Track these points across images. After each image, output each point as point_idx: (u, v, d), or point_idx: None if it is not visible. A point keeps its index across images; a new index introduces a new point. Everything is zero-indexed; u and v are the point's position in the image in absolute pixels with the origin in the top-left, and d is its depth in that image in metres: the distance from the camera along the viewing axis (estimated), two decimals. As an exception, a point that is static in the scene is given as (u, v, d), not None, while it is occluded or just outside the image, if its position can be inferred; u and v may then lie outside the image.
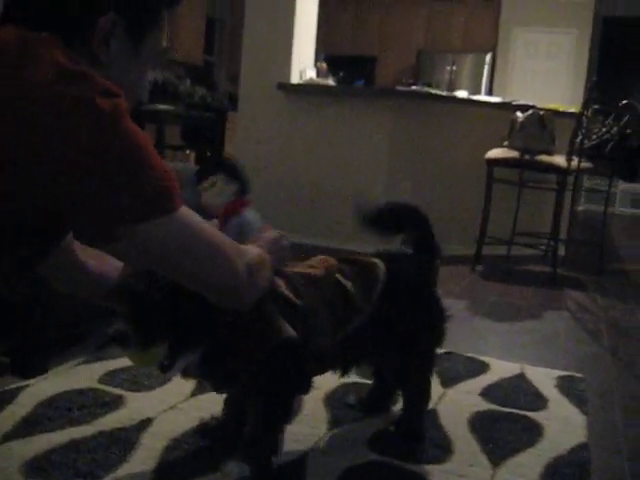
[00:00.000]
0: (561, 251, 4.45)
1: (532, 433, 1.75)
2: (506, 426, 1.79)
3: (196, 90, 8.85)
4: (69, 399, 1.69)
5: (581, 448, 1.68)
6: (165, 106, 6.59)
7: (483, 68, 8.98)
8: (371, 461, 1.52)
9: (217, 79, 9.68)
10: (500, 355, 2.45)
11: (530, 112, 4.15)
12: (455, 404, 1.92)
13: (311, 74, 4.74)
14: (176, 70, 8.57)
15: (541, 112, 4.16)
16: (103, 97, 0.99)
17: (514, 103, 4.67)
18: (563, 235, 4.56)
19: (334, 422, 1.71)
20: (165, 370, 1.23)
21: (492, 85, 9.00)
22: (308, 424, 1.68)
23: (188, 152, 7.21)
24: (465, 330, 2.76)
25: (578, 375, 2.26)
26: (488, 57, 8.91)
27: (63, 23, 1.07)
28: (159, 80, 8.25)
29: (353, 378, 2.02)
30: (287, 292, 1.34)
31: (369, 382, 1.86)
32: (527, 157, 4.00)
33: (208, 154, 7.38)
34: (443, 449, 1.62)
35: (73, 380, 1.81)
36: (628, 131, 4.27)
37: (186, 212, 1.10)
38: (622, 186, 9.07)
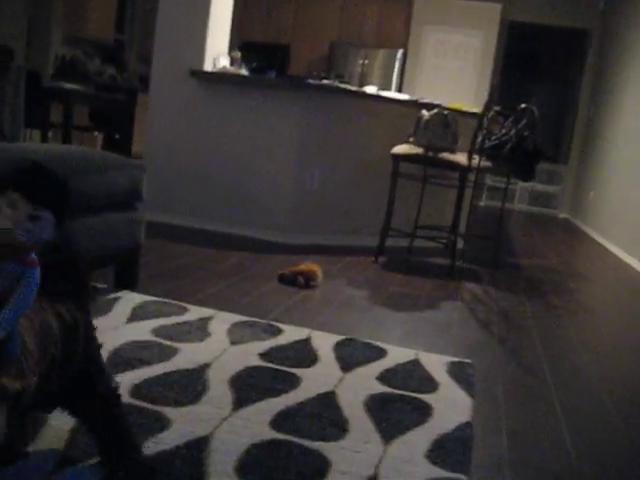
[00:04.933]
0: (461, 245, 4.68)
1: (421, 413, 1.90)
2: (398, 407, 1.92)
3: (106, 69, 8.68)
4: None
5: (465, 426, 1.84)
6: (73, 85, 6.46)
7: (394, 64, 9.19)
8: (274, 439, 1.62)
9: (128, 59, 9.51)
10: (397, 342, 2.60)
11: (435, 111, 4.34)
12: (353, 387, 2.04)
13: (225, 62, 4.77)
14: (85, 48, 8.35)
15: (445, 111, 4.35)
16: None
17: (421, 101, 4.84)
18: (463, 230, 4.79)
19: (239, 403, 1.79)
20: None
21: (402, 81, 9.24)
22: (213, 405, 1.76)
23: (96, 134, 7.08)
24: (365, 318, 2.90)
25: (467, 361, 2.43)
26: (399, 53, 9.14)
27: None
28: (67, 57, 8.05)
29: (257, 362, 2.11)
30: None
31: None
32: (430, 154, 4.18)
33: (116, 137, 7.29)
34: (340, 428, 1.74)
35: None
36: (525, 134, 4.51)
37: None
38: (522, 184, 9.51)
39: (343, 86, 4.71)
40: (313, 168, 4.52)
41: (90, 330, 1.33)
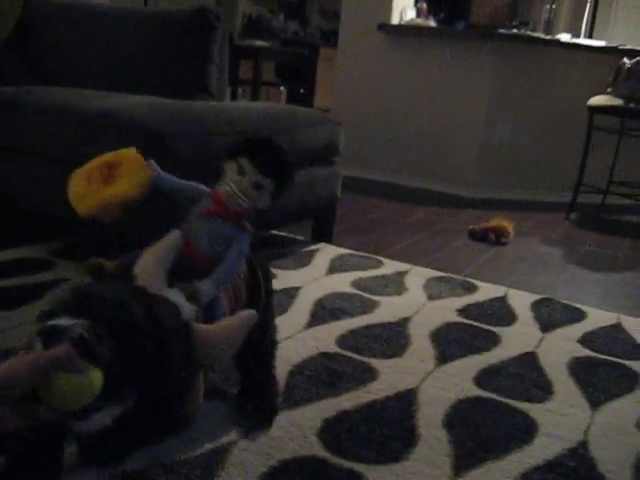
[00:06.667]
0: (659, 202, 4.38)
1: (629, 380, 1.82)
2: (604, 372, 1.86)
3: (289, 25, 8.87)
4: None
5: (679, 397, 1.75)
6: (260, 42, 6.67)
7: (584, 7, 8.61)
8: (479, 396, 1.63)
9: (309, 14, 9.65)
10: (596, 304, 2.50)
11: (638, 58, 4.04)
12: (554, 349, 2.00)
13: (411, 14, 4.72)
14: (269, 5, 8.59)
15: (650, 58, 4.04)
16: None
17: (621, 47, 4.53)
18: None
19: (442, 358, 1.82)
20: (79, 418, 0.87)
21: (593, 26, 8.65)
22: (417, 358, 1.80)
23: (282, 89, 7.31)
24: (561, 278, 2.81)
25: (676, 328, 2.30)
26: (591, -4, 8.53)
27: None
28: (253, 14, 8.32)
29: (455, 318, 2.13)
30: None
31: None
32: (632, 105, 3.92)
33: (301, 91, 7.47)
34: (544, 390, 1.72)
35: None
36: None
37: None
38: None
39: (536, 35, 4.51)
40: (503, 121, 4.39)
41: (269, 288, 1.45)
